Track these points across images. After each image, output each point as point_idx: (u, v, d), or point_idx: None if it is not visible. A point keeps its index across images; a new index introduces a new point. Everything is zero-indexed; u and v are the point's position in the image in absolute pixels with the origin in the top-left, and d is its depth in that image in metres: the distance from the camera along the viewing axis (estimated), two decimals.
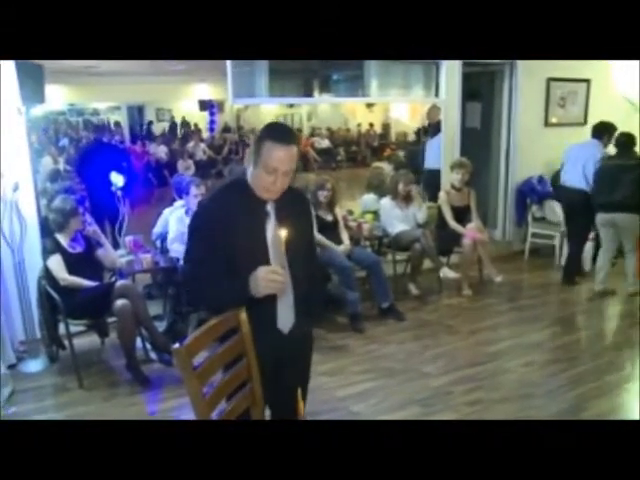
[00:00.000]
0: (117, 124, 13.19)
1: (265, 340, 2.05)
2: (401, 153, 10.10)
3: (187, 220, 4.50)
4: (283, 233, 1.92)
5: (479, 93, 6.95)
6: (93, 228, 4.13)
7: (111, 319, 3.94)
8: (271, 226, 2.03)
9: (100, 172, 5.23)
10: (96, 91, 11.84)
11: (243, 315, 1.95)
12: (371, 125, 16.04)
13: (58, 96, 11.42)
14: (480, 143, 6.85)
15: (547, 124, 6.82)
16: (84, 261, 4.02)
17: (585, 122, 6.81)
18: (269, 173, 1.95)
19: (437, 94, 6.20)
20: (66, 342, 3.93)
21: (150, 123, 14.92)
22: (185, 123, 14.88)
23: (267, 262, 1.99)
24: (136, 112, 15.08)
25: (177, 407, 3.36)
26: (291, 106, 14.58)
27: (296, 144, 1.97)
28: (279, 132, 1.98)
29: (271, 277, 1.90)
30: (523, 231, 6.74)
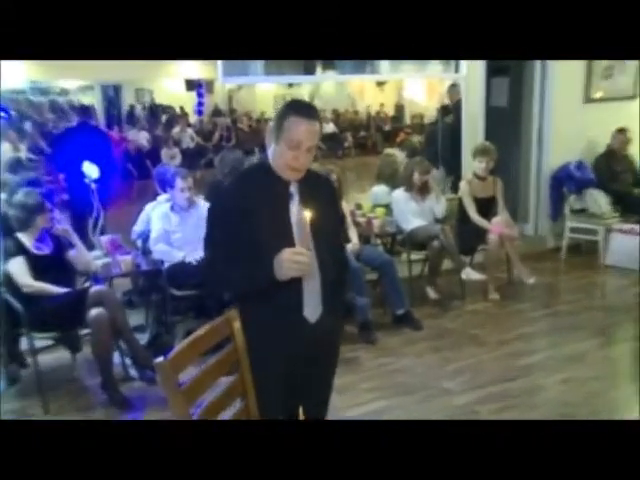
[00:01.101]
0: (84, 108, 13.11)
1: (290, 330, 2.17)
2: (416, 138, 10.10)
3: (173, 217, 4.52)
4: (308, 214, 2.04)
5: (506, 66, 6.86)
6: (63, 226, 4.12)
7: (84, 331, 3.93)
8: (295, 208, 2.18)
9: (78, 161, 5.22)
10: (64, 67, 11.64)
11: (237, 323, 1.96)
12: (382, 106, 16.04)
13: (16, 72, 11.22)
14: (507, 124, 6.82)
15: (588, 100, 6.69)
16: (52, 264, 4.00)
17: (636, 95, 6.72)
18: (292, 148, 2.11)
19: (457, 69, 6.19)
20: (29, 359, 3.91)
21: (132, 107, 14.93)
22: (168, 107, 14.91)
23: (291, 244, 2.11)
24: (112, 92, 15.10)
25: None
26: (290, 86, 14.56)
27: (319, 121, 2.16)
28: (303, 107, 2.19)
29: (295, 258, 2.04)
30: (559, 225, 6.70)
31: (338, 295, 2.40)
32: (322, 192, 2.31)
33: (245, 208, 2.13)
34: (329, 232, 2.27)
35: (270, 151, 2.21)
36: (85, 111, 7.06)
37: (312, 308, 2.22)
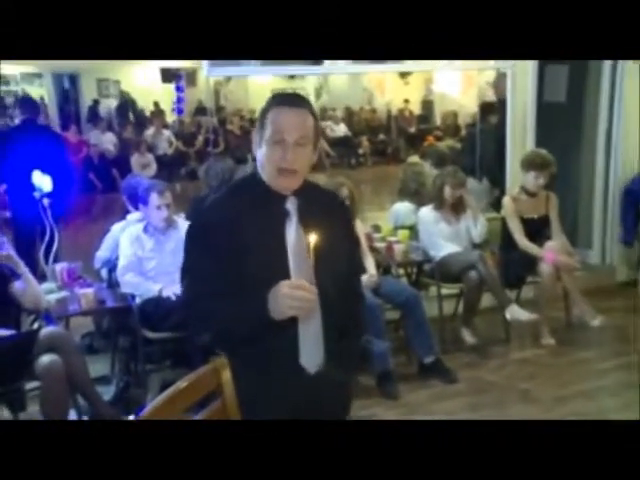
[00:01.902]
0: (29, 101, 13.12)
1: (285, 382, 2.16)
2: (445, 143, 10.13)
3: (147, 240, 4.55)
4: (312, 237, 2.01)
5: None
6: (6, 252, 4.14)
7: (31, 384, 3.92)
8: (292, 229, 2.19)
9: (25, 170, 5.27)
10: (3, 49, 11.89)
11: (226, 373, 1.96)
12: (406, 103, 16.13)
13: None
14: (565, 124, 6.84)
15: None
16: None
17: None
18: (277, 143, 2.15)
19: None
20: None
21: (96, 102, 15.02)
22: (132, 102, 14.84)
23: (286, 274, 2.11)
24: (67, 83, 15.13)
25: None
26: (292, 78, 14.72)
27: (309, 110, 2.22)
28: (286, 96, 2.30)
29: (297, 294, 2.02)
30: (635, 252, 6.71)
31: (351, 341, 2.40)
32: (326, 207, 2.32)
33: (231, 230, 2.15)
34: (337, 260, 2.26)
35: (257, 159, 2.25)
36: (31, 105, 7.03)
37: (311, 355, 2.21)
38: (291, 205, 2.22)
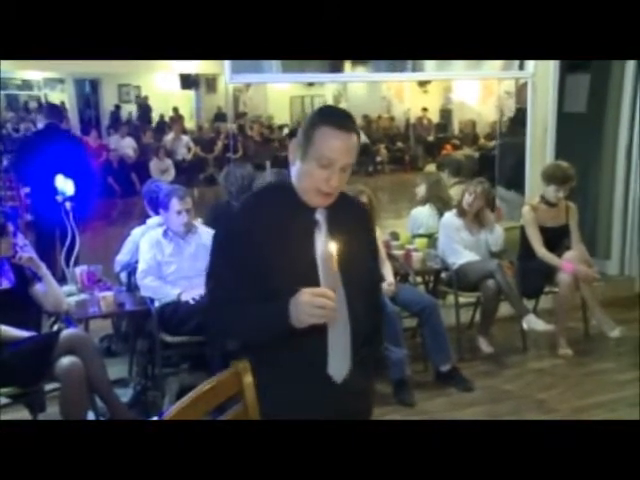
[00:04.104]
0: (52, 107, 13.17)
1: (311, 393, 2.15)
2: (461, 153, 10.11)
3: (166, 245, 4.56)
4: (333, 246, 2.02)
5: (586, 61, 6.87)
6: (28, 254, 4.16)
7: (50, 385, 3.93)
8: (321, 239, 2.17)
9: (47, 174, 5.31)
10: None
11: (248, 377, 1.96)
12: (424, 111, 16.14)
13: None
14: (586, 134, 6.80)
15: None
16: (13, 301, 4.00)
17: None
18: (323, 167, 2.11)
19: (522, 65, 6.22)
20: None
21: (117, 107, 15.09)
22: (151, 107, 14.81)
23: (316, 285, 2.09)
24: (88, 88, 15.19)
25: None
26: (311, 85, 14.76)
27: (357, 133, 2.19)
28: (337, 116, 2.19)
29: (318, 302, 2.00)
30: None
31: (372, 349, 2.41)
32: (354, 218, 2.32)
33: (259, 238, 2.14)
34: (363, 270, 2.27)
35: (294, 170, 2.22)
36: (53, 110, 7.10)
37: (339, 365, 2.20)
38: (320, 216, 2.20)
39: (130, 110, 15.18)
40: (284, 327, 2.06)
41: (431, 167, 8.21)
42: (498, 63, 6.35)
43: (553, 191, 5.46)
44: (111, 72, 13.77)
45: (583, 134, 6.73)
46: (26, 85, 14.16)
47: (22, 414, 4.18)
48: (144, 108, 15.20)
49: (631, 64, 6.50)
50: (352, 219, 2.28)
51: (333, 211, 2.21)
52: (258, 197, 2.43)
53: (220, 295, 2.21)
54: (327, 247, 2.08)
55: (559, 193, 5.44)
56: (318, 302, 2.01)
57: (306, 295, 2.02)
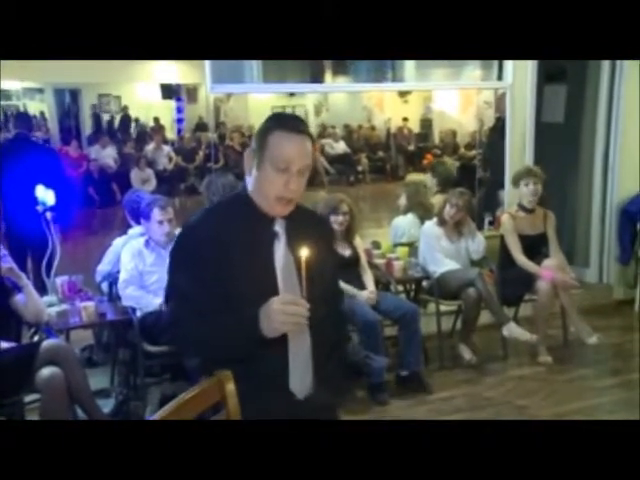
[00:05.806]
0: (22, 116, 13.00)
1: (274, 407, 2.13)
2: (450, 160, 10.14)
3: (148, 255, 4.56)
4: (304, 253, 2.03)
5: (563, 71, 6.89)
6: (8, 265, 4.14)
7: (30, 397, 3.91)
8: (281, 250, 2.18)
9: (23, 184, 5.29)
10: (4, 63, 11.77)
11: (230, 385, 1.97)
12: (405, 121, 16.21)
13: None
14: (564, 144, 6.88)
15: None
16: None
17: None
18: (281, 171, 2.12)
19: (500, 75, 6.27)
20: None
21: (97, 117, 14.93)
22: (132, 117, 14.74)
23: (276, 294, 2.11)
24: (68, 98, 15.10)
25: None
26: (292, 95, 14.77)
27: (309, 135, 2.20)
28: (290, 120, 2.24)
29: (289, 309, 2.02)
30: (631, 271, 6.68)
31: (336, 364, 2.37)
32: (313, 229, 2.31)
33: (218, 250, 2.14)
34: (322, 281, 2.24)
35: (251, 180, 2.22)
36: (22, 119, 7.03)
37: (300, 380, 2.20)
38: (279, 227, 2.21)
39: (110, 120, 15.12)
40: (255, 337, 2.06)
41: (413, 176, 8.18)
42: (477, 73, 6.40)
43: (524, 187, 5.51)
44: (91, 82, 13.56)
45: (561, 144, 6.80)
46: (4, 95, 14.02)
47: None
48: (124, 118, 15.15)
49: (605, 75, 6.55)
50: (310, 230, 2.26)
51: (292, 222, 2.22)
52: (214, 209, 2.44)
53: (184, 309, 2.19)
54: (287, 258, 2.13)
55: (529, 187, 5.47)
56: (290, 310, 2.02)
57: (276, 303, 2.04)
